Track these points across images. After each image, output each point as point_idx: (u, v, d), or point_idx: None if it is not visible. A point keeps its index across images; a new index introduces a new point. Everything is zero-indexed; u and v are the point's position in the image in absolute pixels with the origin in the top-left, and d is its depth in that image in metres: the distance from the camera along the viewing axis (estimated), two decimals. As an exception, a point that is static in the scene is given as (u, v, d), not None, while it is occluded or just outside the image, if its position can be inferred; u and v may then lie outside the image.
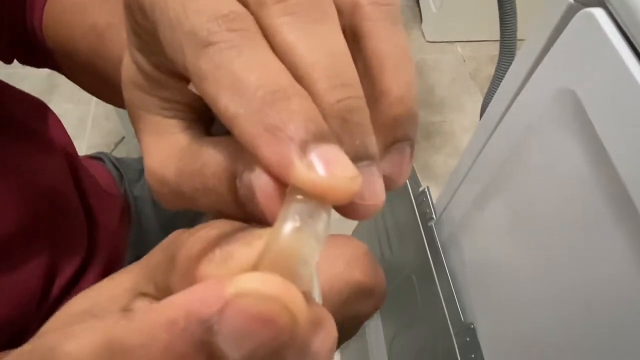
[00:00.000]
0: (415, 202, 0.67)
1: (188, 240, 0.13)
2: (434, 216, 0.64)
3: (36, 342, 0.13)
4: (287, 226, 0.12)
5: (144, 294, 0.15)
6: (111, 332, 0.11)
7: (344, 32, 0.14)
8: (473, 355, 0.56)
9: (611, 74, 0.34)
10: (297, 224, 0.12)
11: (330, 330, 0.13)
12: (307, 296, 0.13)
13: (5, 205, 0.33)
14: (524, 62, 0.44)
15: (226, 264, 0.12)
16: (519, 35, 0.76)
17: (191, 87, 0.15)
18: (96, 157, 0.54)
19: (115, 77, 0.22)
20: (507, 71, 0.49)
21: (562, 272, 0.43)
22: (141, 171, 0.55)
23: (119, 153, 1.22)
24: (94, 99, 0.40)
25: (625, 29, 0.33)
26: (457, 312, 0.58)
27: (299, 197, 0.12)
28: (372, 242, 0.84)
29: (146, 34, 0.14)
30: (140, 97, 0.16)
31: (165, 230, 0.54)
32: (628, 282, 0.36)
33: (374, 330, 0.84)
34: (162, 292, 0.14)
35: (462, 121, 1.38)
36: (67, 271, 0.40)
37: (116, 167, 0.53)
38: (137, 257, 0.49)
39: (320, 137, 0.12)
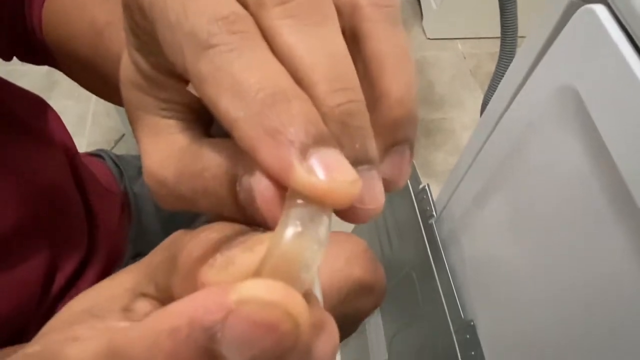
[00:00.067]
0: (416, 199, 0.67)
1: (189, 243, 0.13)
2: (434, 214, 0.64)
3: (41, 344, 0.13)
4: (289, 231, 0.12)
5: (144, 295, 0.15)
6: (114, 339, 0.11)
7: (343, 33, 0.14)
8: (473, 352, 0.56)
9: (612, 70, 0.34)
10: (299, 228, 0.12)
11: (332, 333, 0.13)
12: (309, 298, 0.13)
13: (5, 202, 0.33)
14: (524, 59, 0.44)
15: (227, 269, 0.12)
16: (520, 32, 0.76)
17: (190, 88, 0.15)
18: (96, 155, 0.54)
19: (114, 75, 0.22)
20: (507, 68, 0.49)
21: (562, 270, 0.43)
22: (141, 168, 0.55)
23: (119, 150, 1.22)
24: (94, 96, 0.40)
25: (626, 25, 0.33)
26: (457, 309, 0.58)
27: (300, 201, 0.12)
28: (372, 239, 0.84)
29: (145, 34, 0.14)
30: (138, 97, 0.16)
31: (166, 228, 0.54)
32: (628, 280, 0.36)
33: (374, 327, 0.84)
34: (162, 293, 0.14)
35: (462, 118, 1.38)
36: (67, 269, 0.40)
37: (116, 165, 0.53)
38: (137, 255, 0.50)
39: (320, 141, 0.12)
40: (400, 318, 0.75)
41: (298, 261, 0.11)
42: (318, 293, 0.14)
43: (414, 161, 0.16)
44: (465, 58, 1.53)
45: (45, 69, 0.39)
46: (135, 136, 0.17)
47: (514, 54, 0.76)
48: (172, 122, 0.16)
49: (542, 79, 0.42)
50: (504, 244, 0.52)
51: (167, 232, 0.15)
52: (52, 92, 1.33)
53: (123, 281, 0.15)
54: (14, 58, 0.38)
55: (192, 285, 0.12)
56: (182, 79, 0.15)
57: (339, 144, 0.12)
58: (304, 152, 0.12)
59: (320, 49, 0.13)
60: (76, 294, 0.16)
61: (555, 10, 0.40)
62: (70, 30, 0.33)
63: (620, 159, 0.34)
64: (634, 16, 0.32)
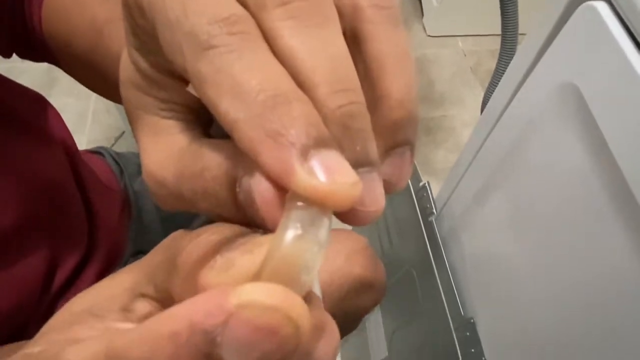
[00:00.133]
0: (416, 197, 0.67)
1: (189, 245, 0.13)
2: (434, 211, 0.64)
3: (41, 345, 0.13)
4: (289, 234, 0.12)
5: (143, 295, 0.15)
6: (113, 342, 0.11)
7: (344, 34, 0.14)
8: (473, 350, 0.56)
9: (614, 67, 0.34)
10: (299, 231, 0.12)
11: (332, 334, 0.13)
12: (310, 299, 0.13)
13: (5, 200, 0.33)
14: (525, 56, 0.44)
15: (227, 271, 0.12)
16: (520, 29, 0.75)
17: (190, 88, 0.15)
18: (96, 152, 0.54)
19: (113, 74, 0.22)
20: (508, 66, 0.49)
21: (562, 268, 0.43)
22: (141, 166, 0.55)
23: (119, 148, 1.22)
24: (94, 93, 0.40)
25: (627, 22, 0.33)
26: (457, 307, 0.59)
27: (300, 203, 0.12)
28: (372, 236, 0.84)
29: (145, 33, 0.14)
30: (138, 96, 0.16)
31: (166, 226, 0.54)
32: (628, 278, 0.36)
33: (374, 324, 0.84)
34: (161, 293, 0.14)
35: (462, 116, 1.37)
36: (67, 266, 0.40)
37: (116, 162, 0.53)
38: (138, 252, 0.49)
39: (321, 143, 0.12)
40: (401, 315, 0.75)
41: (298, 264, 0.11)
42: (317, 288, 0.14)
43: (414, 159, 0.16)
44: (465, 55, 1.52)
45: (45, 66, 0.39)
46: (135, 136, 0.17)
47: (515, 52, 0.76)
48: (171, 122, 0.16)
49: (543, 76, 0.42)
50: (504, 241, 0.52)
51: (167, 230, 0.15)
52: (52, 90, 1.32)
53: (122, 281, 0.15)
54: (14, 55, 0.38)
55: (192, 286, 0.12)
56: (182, 79, 0.15)
57: (340, 146, 0.12)
58: (304, 154, 0.11)
59: (321, 50, 0.13)
60: (76, 291, 0.16)
61: (556, 7, 0.39)
62: (70, 27, 0.33)
63: (621, 157, 0.34)
64: (635, 13, 0.32)
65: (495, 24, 0.81)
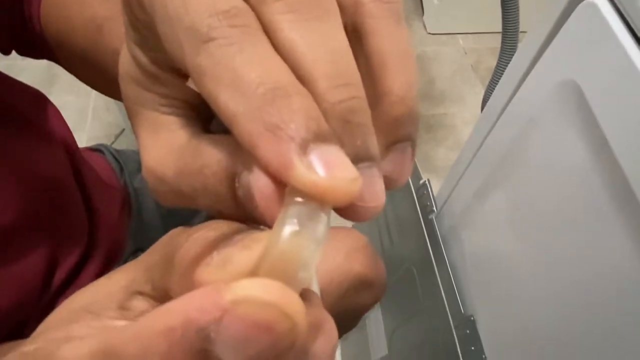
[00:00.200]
0: (416, 194, 0.67)
1: (186, 242, 0.13)
2: (434, 209, 0.64)
3: (37, 343, 0.13)
4: (286, 230, 0.11)
5: (140, 293, 0.14)
6: (109, 339, 0.11)
7: (345, 29, 0.14)
8: (473, 348, 0.56)
9: (614, 65, 0.34)
10: (296, 227, 0.11)
11: (330, 333, 0.13)
12: (308, 297, 0.13)
13: (5, 197, 0.33)
14: (526, 53, 0.44)
15: (224, 268, 0.12)
16: (521, 27, 0.75)
17: (190, 83, 0.15)
18: (96, 149, 0.54)
19: (113, 70, 0.22)
20: (509, 63, 0.49)
21: (562, 266, 0.43)
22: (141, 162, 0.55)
23: (120, 145, 1.22)
24: (94, 90, 0.40)
25: (629, 19, 0.33)
26: (457, 305, 0.59)
27: (298, 199, 0.12)
28: (372, 234, 0.84)
29: (144, 28, 0.14)
30: (137, 92, 0.16)
31: (166, 223, 0.54)
32: (628, 277, 0.36)
33: (374, 322, 0.84)
34: (159, 291, 0.14)
35: (463, 114, 1.37)
36: (67, 263, 0.40)
37: (116, 159, 0.53)
38: (138, 250, 0.49)
39: (321, 137, 0.12)
40: (401, 313, 0.75)
41: (296, 260, 0.11)
42: (315, 287, 0.14)
43: (415, 156, 0.16)
44: (466, 53, 1.52)
45: (45, 63, 0.39)
46: (135, 132, 0.17)
47: (515, 49, 0.76)
48: (171, 118, 0.16)
49: (544, 73, 0.42)
50: (505, 239, 0.52)
51: (167, 228, 0.15)
52: (52, 87, 1.32)
53: (120, 279, 0.15)
54: (14, 53, 0.38)
55: (189, 284, 0.12)
56: (182, 74, 0.15)
57: (340, 141, 0.12)
58: (304, 149, 0.11)
59: (321, 44, 0.13)
60: (76, 289, 0.16)
61: (557, 5, 0.39)
62: (70, 24, 0.33)
63: (621, 154, 0.34)
64: (636, 10, 0.32)
65: (496, 22, 0.81)
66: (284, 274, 0.11)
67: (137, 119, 0.16)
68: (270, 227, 0.12)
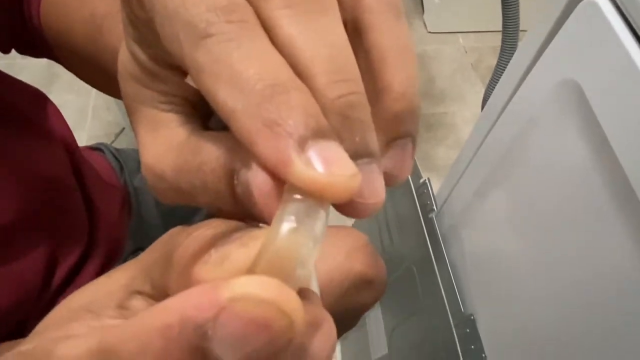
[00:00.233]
0: (416, 193, 0.67)
1: (184, 240, 0.13)
2: (434, 208, 0.64)
3: (34, 343, 0.13)
4: (284, 227, 0.11)
5: (139, 292, 0.14)
6: (105, 338, 0.11)
7: (345, 25, 0.14)
8: (473, 346, 0.56)
9: (615, 64, 0.34)
10: (294, 224, 0.11)
11: (329, 331, 0.12)
12: (306, 295, 0.13)
13: (5, 196, 0.33)
14: (526, 52, 0.44)
15: (222, 265, 0.12)
16: (522, 25, 0.75)
17: (189, 80, 0.14)
18: (96, 148, 0.54)
19: (113, 68, 0.22)
20: (509, 62, 0.49)
21: (562, 265, 0.43)
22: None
23: (120, 144, 1.22)
24: (94, 89, 0.40)
25: (629, 18, 0.33)
26: (457, 304, 0.59)
27: (297, 196, 0.12)
28: (372, 233, 0.84)
29: (143, 25, 0.14)
30: (136, 89, 0.16)
31: (166, 222, 0.54)
32: (629, 276, 0.36)
33: (374, 321, 0.84)
34: (158, 290, 0.14)
35: (463, 112, 1.37)
36: (67, 262, 0.40)
37: (116, 158, 0.53)
38: (138, 249, 0.49)
39: (319, 134, 0.12)
40: (401, 312, 0.75)
41: (293, 257, 0.11)
42: (315, 288, 0.14)
43: (415, 155, 0.15)
44: (466, 52, 1.52)
45: (45, 62, 0.39)
46: (134, 129, 0.17)
47: (516, 48, 0.76)
48: (170, 115, 0.16)
49: (544, 72, 0.42)
50: (505, 238, 0.52)
51: (167, 227, 0.15)
52: (53, 86, 1.32)
53: (119, 278, 0.15)
54: (14, 51, 0.37)
55: (187, 282, 0.12)
56: (181, 71, 0.15)
57: (339, 137, 0.12)
58: (302, 145, 0.11)
59: (320, 40, 0.12)
60: (76, 288, 0.16)
61: (557, 4, 0.39)
62: (70, 22, 0.33)
63: (622, 154, 0.34)
64: (637, 9, 0.32)
65: (496, 21, 0.81)
66: (281, 271, 0.11)
67: (136, 116, 0.16)
68: (269, 224, 0.12)
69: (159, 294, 0.14)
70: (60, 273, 0.39)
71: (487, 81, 0.83)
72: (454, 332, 0.57)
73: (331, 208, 0.13)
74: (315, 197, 0.12)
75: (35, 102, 0.41)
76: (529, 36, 0.44)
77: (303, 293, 0.13)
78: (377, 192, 0.13)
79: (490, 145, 0.51)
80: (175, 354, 0.10)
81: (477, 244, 0.58)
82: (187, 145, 0.15)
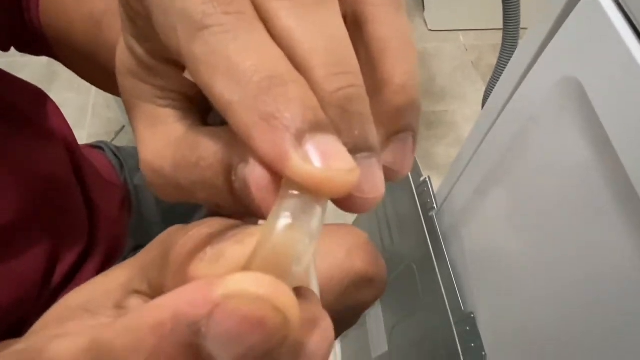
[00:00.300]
0: (416, 191, 0.67)
1: (181, 239, 0.13)
2: (435, 206, 0.64)
3: (27, 342, 0.13)
4: (279, 223, 0.11)
5: (137, 291, 0.14)
6: (98, 335, 0.11)
7: (345, 18, 0.13)
8: (473, 344, 0.56)
9: (616, 61, 0.34)
10: (290, 220, 0.11)
11: (326, 330, 0.12)
12: (303, 292, 0.13)
13: (5, 194, 0.33)
14: (527, 50, 0.44)
15: (217, 262, 0.12)
16: (522, 23, 0.75)
17: (186, 74, 0.14)
18: (96, 146, 0.54)
19: (113, 65, 0.22)
20: (509, 60, 0.49)
21: (563, 263, 0.43)
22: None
23: (120, 142, 1.22)
24: (95, 87, 0.40)
25: (631, 16, 0.33)
26: (458, 302, 0.59)
27: (293, 191, 0.11)
28: (372, 231, 0.84)
29: (140, 19, 0.14)
30: (134, 85, 0.16)
31: (166, 220, 0.54)
32: (628, 274, 0.36)
33: (375, 319, 0.84)
34: (155, 290, 0.14)
35: (464, 110, 1.37)
36: (67, 260, 0.40)
37: (116, 156, 0.53)
38: (138, 247, 0.49)
39: (317, 127, 0.11)
40: (401, 310, 0.75)
41: (289, 254, 0.11)
42: (315, 287, 0.14)
43: (415, 153, 0.15)
44: (467, 50, 1.52)
45: (45, 60, 0.39)
46: (132, 125, 0.16)
47: (516, 46, 0.76)
48: (168, 111, 0.16)
49: (545, 70, 0.42)
50: (505, 236, 0.52)
51: (167, 224, 0.15)
52: (53, 84, 1.32)
53: (117, 277, 0.15)
54: (14, 49, 0.37)
55: (184, 280, 0.12)
56: (179, 66, 0.15)
57: (338, 131, 0.12)
58: (299, 139, 0.11)
59: (319, 32, 0.12)
60: (76, 286, 0.16)
61: (558, 1, 0.39)
62: (69, 20, 0.33)
63: (623, 152, 0.34)
64: (638, 6, 0.32)
65: (497, 18, 0.80)
66: (277, 268, 0.11)
67: (134, 112, 0.16)
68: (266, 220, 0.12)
69: (157, 293, 0.14)
70: (61, 271, 0.39)
71: (487, 79, 0.83)
72: (454, 330, 0.57)
73: (331, 204, 0.12)
74: (312, 192, 0.11)
75: (35, 100, 0.41)
76: (530, 34, 0.44)
77: (300, 291, 0.13)
78: (376, 187, 0.12)
79: (491, 144, 0.51)
80: (168, 352, 0.10)
81: (477, 242, 0.58)
82: (185, 140, 0.15)
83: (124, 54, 0.16)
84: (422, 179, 0.67)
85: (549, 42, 0.40)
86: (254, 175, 0.12)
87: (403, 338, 0.74)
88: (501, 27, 0.76)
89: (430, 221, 0.64)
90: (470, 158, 0.55)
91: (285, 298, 0.10)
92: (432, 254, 0.62)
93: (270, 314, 0.10)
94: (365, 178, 0.12)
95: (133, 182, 0.53)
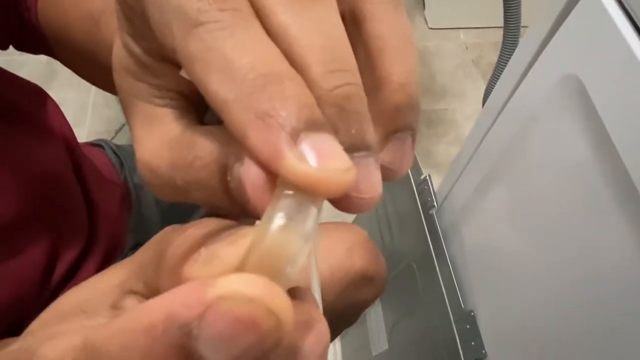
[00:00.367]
0: (417, 190, 0.67)
1: (176, 239, 0.13)
2: (435, 204, 0.64)
3: (22, 342, 0.13)
4: (274, 224, 0.11)
5: (133, 292, 0.14)
6: (90, 336, 0.11)
7: (343, 17, 0.13)
8: (473, 343, 0.56)
9: (617, 60, 0.33)
10: (284, 221, 0.11)
11: (321, 332, 0.12)
12: (298, 294, 0.13)
13: (5, 192, 0.33)
14: (528, 48, 0.44)
15: (211, 263, 0.12)
16: (523, 21, 0.75)
17: (183, 73, 0.14)
18: (96, 144, 0.54)
19: (111, 64, 0.22)
20: (510, 58, 0.49)
21: (563, 261, 0.43)
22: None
23: (120, 140, 1.21)
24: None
25: (632, 13, 0.33)
26: (458, 300, 0.59)
27: (288, 191, 0.11)
28: (373, 230, 0.84)
29: (137, 17, 0.14)
30: (131, 83, 0.16)
31: (166, 218, 0.54)
32: (629, 272, 0.36)
33: (375, 317, 0.84)
34: (151, 290, 0.14)
35: (464, 109, 1.37)
36: (67, 258, 0.40)
37: (116, 154, 0.53)
38: (137, 245, 0.49)
39: (313, 126, 0.11)
40: (401, 308, 0.75)
41: (282, 255, 0.11)
42: (316, 286, 0.14)
43: (415, 151, 0.15)
44: (467, 48, 1.51)
45: (45, 59, 0.39)
46: (129, 124, 0.16)
47: (517, 44, 0.75)
48: (165, 110, 0.15)
49: (545, 68, 0.42)
50: (505, 235, 0.52)
51: (167, 223, 0.15)
52: (52, 83, 1.32)
53: (113, 277, 0.15)
54: (13, 48, 0.37)
55: (178, 281, 0.12)
56: (175, 64, 0.15)
57: (334, 129, 0.12)
58: (295, 137, 0.11)
59: (316, 29, 0.12)
60: (76, 284, 0.16)
61: (559, -1, 0.39)
62: (67, 18, 0.33)
63: (623, 150, 0.34)
64: (639, 4, 0.32)
65: (497, 16, 0.80)
66: (270, 269, 0.11)
67: (131, 111, 0.16)
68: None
69: (153, 293, 0.14)
70: (60, 269, 0.39)
71: (488, 77, 0.83)
72: (454, 328, 0.57)
73: (328, 203, 0.12)
74: (307, 192, 0.11)
75: (35, 98, 0.41)
76: (531, 32, 0.44)
77: (295, 292, 0.13)
78: (373, 186, 0.12)
79: (491, 142, 0.51)
80: (159, 353, 0.10)
81: (477, 240, 0.58)
82: (181, 140, 0.15)
83: (120, 52, 0.16)
84: (422, 177, 0.67)
85: (550, 40, 0.40)
86: (249, 174, 0.12)
87: (403, 336, 0.74)
88: (502, 25, 0.76)
89: (430, 219, 0.64)
90: (470, 156, 0.55)
91: (279, 300, 0.10)
92: (432, 253, 0.62)
93: (263, 316, 0.10)
94: (362, 178, 0.12)
95: (133, 180, 0.53)
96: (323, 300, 0.14)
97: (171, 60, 0.15)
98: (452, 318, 0.57)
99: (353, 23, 0.14)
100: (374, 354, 0.83)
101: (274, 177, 0.12)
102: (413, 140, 0.14)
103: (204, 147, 0.14)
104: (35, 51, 0.37)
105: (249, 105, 0.11)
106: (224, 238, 0.12)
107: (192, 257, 0.12)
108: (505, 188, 0.51)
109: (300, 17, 0.12)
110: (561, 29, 0.39)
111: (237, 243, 0.12)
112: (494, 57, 0.83)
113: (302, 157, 0.11)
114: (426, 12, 1.56)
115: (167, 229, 0.14)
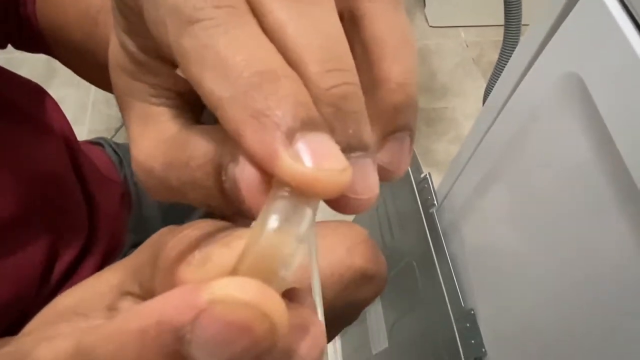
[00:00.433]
0: (417, 188, 0.67)
1: (170, 241, 0.13)
2: (435, 203, 0.64)
3: (17, 344, 0.13)
4: (268, 226, 0.11)
5: (129, 293, 0.14)
6: (83, 338, 0.11)
7: (341, 15, 0.13)
8: (473, 341, 0.56)
9: (618, 57, 0.33)
10: (278, 223, 0.11)
11: (317, 336, 0.12)
12: (294, 297, 0.12)
13: (4, 190, 0.33)
14: (528, 46, 0.44)
15: (205, 266, 0.11)
16: (523, 20, 0.75)
17: (179, 71, 0.14)
18: (96, 143, 0.54)
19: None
20: (510, 56, 0.49)
21: (563, 260, 0.43)
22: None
23: (120, 138, 1.21)
24: (94, 84, 0.40)
25: (633, 11, 0.33)
26: (458, 298, 0.59)
27: (283, 192, 0.11)
28: (373, 228, 0.84)
29: (133, 14, 0.14)
30: (127, 82, 0.15)
31: (166, 217, 0.54)
32: (629, 271, 0.36)
33: (375, 315, 0.84)
34: (147, 292, 0.14)
35: (464, 107, 1.37)
36: (67, 256, 0.40)
37: (116, 153, 0.53)
38: (137, 243, 0.49)
39: (309, 125, 0.11)
40: (401, 306, 0.75)
41: (276, 257, 0.11)
42: (317, 289, 0.14)
43: (415, 150, 0.15)
44: (468, 46, 1.51)
45: (44, 57, 0.39)
46: (125, 123, 0.16)
47: (518, 42, 0.75)
48: (161, 109, 0.15)
49: (546, 66, 0.42)
50: (506, 233, 0.52)
51: (167, 222, 0.15)
52: (52, 81, 1.32)
53: (109, 279, 0.15)
54: (12, 46, 0.37)
55: (172, 284, 0.12)
56: (171, 63, 0.15)
57: (331, 129, 0.12)
58: (290, 137, 0.11)
59: (313, 27, 0.12)
60: (75, 282, 0.16)
61: (560, -4, 0.39)
62: (65, 17, 0.33)
63: (624, 148, 0.34)
64: (640, 2, 0.32)
65: (498, 15, 0.80)
66: (264, 272, 0.11)
67: (127, 110, 0.16)
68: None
69: (149, 295, 0.14)
70: (60, 268, 0.39)
71: (488, 76, 0.82)
72: (454, 326, 0.57)
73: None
74: (303, 192, 0.11)
75: (35, 97, 0.41)
76: (531, 30, 0.44)
77: (291, 294, 0.13)
78: (370, 187, 0.12)
79: (492, 140, 0.51)
80: (151, 358, 0.10)
81: (477, 239, 0.58)
82: (177, 139, 0.14)
83: (116, 50, 0.16)
84: (422, 175, 0.67)
85: (551, 38, 0.40)
86: (244, 174, 0.12)
87: (403, 334, 0.74)
88: (502, 23, 0.76)
89: (430, 218, 0.64)
90: (470, 155, 0.55)
91: (273, 303, 0.10)
92: (433, 251, 0.62)
93: (256, 319, 0.09)
94: (358, 178, 0.12)
95: (133, 178, 0.53)
96: (323, 299, 0.14)
97: (167, 58, 0.14)
98: (452, 316, 0.57)
99: (351, 22, 0.14)
100: (374, 352, 0.83)
101: (269, 178, 0.11)
102: (411, 141, 0.14)
103: (198, 147, 0.13)
104: (33, 50, 0.37)
105: (244, 103, 0.11)
106: (219, 240, 0.12)
107: (186, 260, 0.12)
108: (505, 186, 0.50)
109: (298, 15, 0.12)
110: (562, 27, 0.39)
111: (232, 245, 0.12)
112: (494, 56, 0.83)
113: (297, 157, 0.11)
114: (427, 10, 1.56)
115: (163, 230, 0.14)
